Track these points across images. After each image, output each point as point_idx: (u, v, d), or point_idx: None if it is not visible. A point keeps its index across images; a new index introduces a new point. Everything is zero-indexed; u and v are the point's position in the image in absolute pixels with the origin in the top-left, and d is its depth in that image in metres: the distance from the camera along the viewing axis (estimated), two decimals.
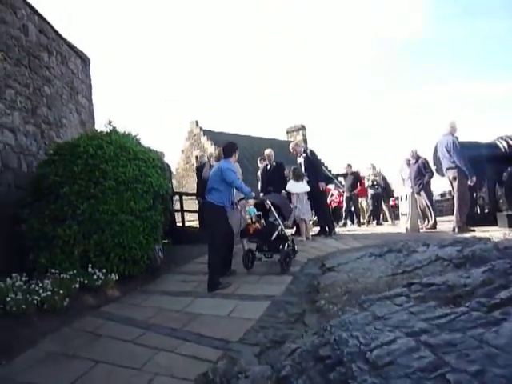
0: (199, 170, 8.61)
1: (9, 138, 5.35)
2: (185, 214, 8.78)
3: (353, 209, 10.57)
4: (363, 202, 11.03)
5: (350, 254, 4.84)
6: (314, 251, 5.71)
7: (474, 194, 6.97)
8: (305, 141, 23.19)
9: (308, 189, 6.81)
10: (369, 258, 4.29)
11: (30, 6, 6.21)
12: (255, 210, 5.32)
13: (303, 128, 23.74)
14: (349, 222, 10.81)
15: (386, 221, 10.64)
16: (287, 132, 24.22)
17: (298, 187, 6.91)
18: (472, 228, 6.37)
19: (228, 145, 5.24)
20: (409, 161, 8.39)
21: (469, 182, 6.37)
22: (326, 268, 4.47)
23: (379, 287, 3.48)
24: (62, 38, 7.36)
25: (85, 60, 8.52)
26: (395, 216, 11.56)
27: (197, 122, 20.45)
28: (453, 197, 7.81)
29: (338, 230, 8.75)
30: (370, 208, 10.39)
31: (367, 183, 10.36)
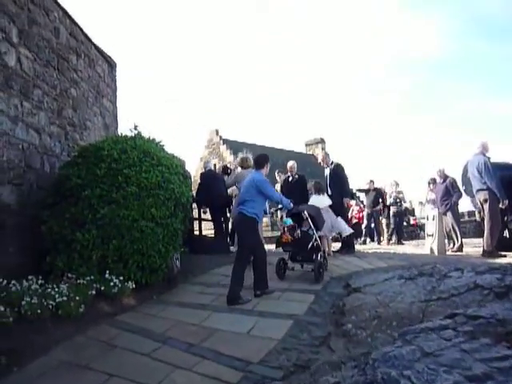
0: (204, 175, 8.43)
1: (33, 137, 5.32)
2: (202, 222, 8.65)
3: (373, 226, 10.30)
4: (383, 220, 10.75)
5: (377, 275, 4.62)
6: (336, 269, 5.50)
7: (505, 218, 6.66)
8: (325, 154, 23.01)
9: (329, 202, 6.61)
10: (398, 280, 4.06)
11: (62, 8, 6.25)
12: (291, 220, 5.25)
13: (322, 141, 23.58)
14: (368, 240, 10.55)
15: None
16: (306, 145, 24.08)
17: (319, 201, 6.71)
18: (503, 253, 6.07)
19: (261, 156, 5.19)
20: (434, 180, 8.12)
21: (500, 205, 6.10)
22: (352, 289, 4.26)
23: (412, 314, 3.27)
24: (90, 41, 7.40)
25: (111, 64, 8.56)
26: (415, 236, 11.25)
27: (217, 131, 20.51)
28: (478, 219, 7.53)
29: (358, 247, 8.51)
30: (392, 226, 10.10)
31: (389, 200, 10.10)
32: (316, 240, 5.21)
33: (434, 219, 7.03)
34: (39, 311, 3.64)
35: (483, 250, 6.19)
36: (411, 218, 11.15)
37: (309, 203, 6.86)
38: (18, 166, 4.96)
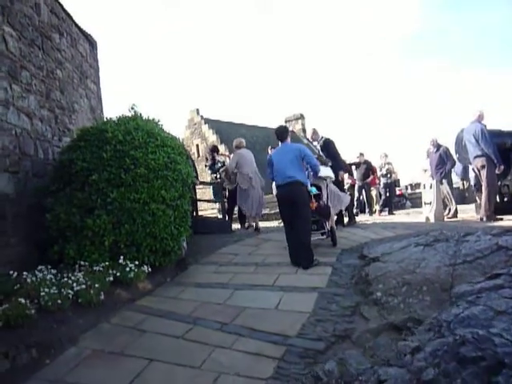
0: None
1: (25, 122, 5.03)
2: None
3: (364, 198, 10.45)
4: (373, 192, 10.91)
5: (390, 244, 4.67)
6: (344, 241, 5.54)
7: (498, 183, 6.86)
8: (303, 130, 23.06)
9: (333, 175, 6.61)
10: (415, 247, 4.12)
11: None
12: (315, 188, 5.36)
13: (302, 117, 23.57)
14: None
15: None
16: (286, 121, 24.01)
17: (325, 172, 6.74)
18: (498, 217, 6.28)
19: (282, 128, 5.27)
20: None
21: (496, 171, 6.27)
22: (370, 258, 4.30)
23: (441, 278, 3.33)
24: (71, 18, 6.99)
25: (92, 43, 8.14)
26: (401, 206, 11.46)
27: (197, 111, 20.10)
28: (461, 187, 7.73)
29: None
30: (383, 197, 10.28)
31: (379, 172, 10.24)
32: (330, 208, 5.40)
33: (431, 187, 7.18)
34: (59, 301, 3.51)
35: (482, 215, 6.38)
36: (396, 189, 11.35)
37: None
38: (14, 152, 4.69)
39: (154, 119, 5.36)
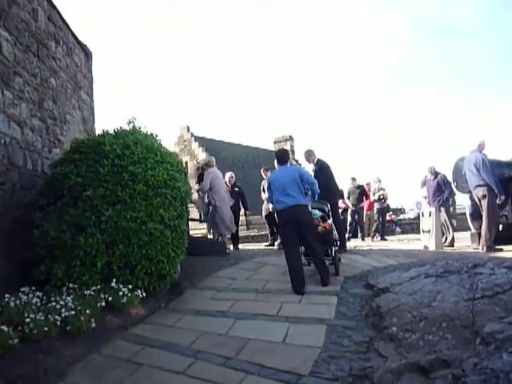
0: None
1: (16, 131, 4.74)
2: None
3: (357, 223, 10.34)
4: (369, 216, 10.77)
5: (397, 274, 4.50)
6: (346, 268, 5.34)
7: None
8: (292, 152, 23.07)
9: None
10: (426, 279, 3.96)
11: None
12: (318, 211, 5.31)
13: (291, 139, 23.63)
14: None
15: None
16: (275, 142, 24.01)
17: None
18: (498, 247, 6.21)
19: (283, 151, 5.35)
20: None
21: (497, 201, 6.24)
22: (379, 289, 4.10)
23: (461, 314, 3.14)
24: (68, 27, 6.78)
25: (88, 54, 7.93)
26: (391, 231, 11.39)
27: (188, 128, 19.90)
28: (469, 215, 7.72)
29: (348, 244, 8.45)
30: (376, 222, 10.20)
31: (373, 197, 10.18)
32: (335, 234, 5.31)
33: (430, 215, 7.10)
34: (46, 329, 3.17)
35: (482, 245, 6.30)
36: (387, 214, 11.32)
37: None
38: (1, 162, 4.38)
39: (152, 134, 5.13)
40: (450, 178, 7.70)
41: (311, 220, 5.01)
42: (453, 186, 7.67)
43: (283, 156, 5.16)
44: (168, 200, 4.39)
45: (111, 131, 4.78)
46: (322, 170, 7.01)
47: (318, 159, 7.27)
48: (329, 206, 5.38)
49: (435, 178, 7.78)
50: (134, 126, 5.02)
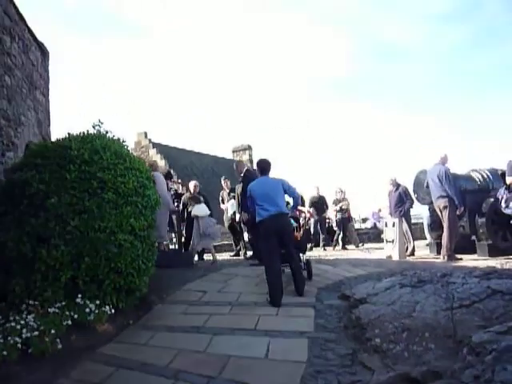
0: None
1: None
2: None
3: (321, 232, 10.47)
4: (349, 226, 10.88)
5: (370, 284, 4.53)
6: (318, 279, 5.31)
7: None
8: (251, 161, 23.11)
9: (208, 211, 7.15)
10: (401, 289, 3.99)
11: None
12: (293, 221, 5.43)
13: (249, 148, 23.69)
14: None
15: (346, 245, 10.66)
16: (233, 151, 23.97)
17: (201, 209, 7.17)
18: (458, 256, 6.49)
19: (266, 161, 5.23)
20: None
21: (457, 212, 6.53)
22: (355, 300, 4.09)
23: (441, 324, 3.18)
24: (25, 23, 6.35)
25: (45, 52, 7.47)
26: (348, 241, 11.63)
27: (146, 134, 19.30)
28: (427, 225, 8.03)
29: (310, 253, 8.49)
30: (338, 232, 10.37)
31: (334, 207, 10.36)
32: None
33: (393, 226, 7.31)
34: (5, 353, 2.85)
35: (444, 254, 6.55)
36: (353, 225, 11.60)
37: (193, 212, 7.20)
38: None
39: (119, 139, 4.86)
40: (410, 189, 8.00)
41: (292, 229, 5.18)
42: (413, 198, 7.97)
43: (267, 165, 5.18)
44: (138, 209, 4.16)
45: (77, 134, 4.46)
46: (246, 180, 6.89)
47: (247, 169, 7.35)
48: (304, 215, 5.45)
49: (397, 189, 8.05)
50: (99, 131, 4.72)
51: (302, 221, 5.54)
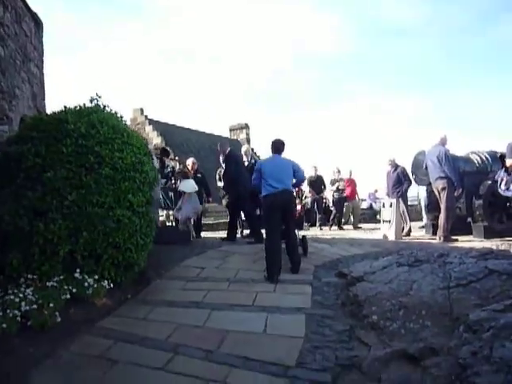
0: None
1: None
2: None
3: (317, 212, 10.49)
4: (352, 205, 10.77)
5: (367, 262, 4.56)
6: (314, 257, 5.35)
7: None
8: (248, 140, 23.00)
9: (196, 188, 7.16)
10: (398, 267, 4.03)
11: None
12: None
13: (247, 127, 23.50)
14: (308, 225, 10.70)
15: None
16: (230, 129, 23.78)
17: (190, 185, 7.17)
18: (454, 237, 6.54)
19: (281, 141, 5.37)
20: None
21: (455, 193, 6.55)
22: (353, 278, 4.12)
23: (438, 302, 3.21)
24: None
25: (39, 23, 7.24)
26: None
27: (142, 110, 19.01)
28: (423, 206, 8.05)
29: (305, 232, 8.52)
30: (334, 212, 10.39)
31: (331, 187, 10.36)
32: None
33: (391, 206, 7.32)
34: (4, 325, 2.85)
35: (440, 235, 6.59)
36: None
37: (180, 187, 7.24)
38: None
39: (116, 113, 4.76)
40: (409, 170, 7.98)
41: (295, 206, 5.48)
42: (411, 178, 7.97)
43: (281, 145, 5.36)
44: (136, 185, 4.12)
45: (73, 108, 4.36)
46: (229, 160, 7.18)
47: (230, 150, 7.42)
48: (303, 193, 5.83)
49: (395, 170, 8.04)
50: (97, 105, 4.62)
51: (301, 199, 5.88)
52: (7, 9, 5.69)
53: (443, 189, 6.51)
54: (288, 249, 4.93)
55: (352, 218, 10.84)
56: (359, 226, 10.61)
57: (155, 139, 17.23)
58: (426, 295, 3.34)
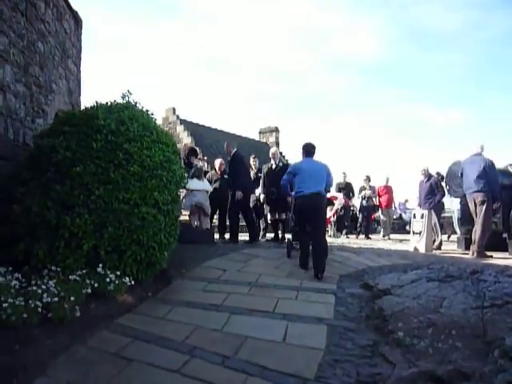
0: None
1: None
2: None
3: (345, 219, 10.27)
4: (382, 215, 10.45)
5: (395, 275, 4.38)
6: (340, 266, 5.20)
7: None
8: (277, 143, 22.92)
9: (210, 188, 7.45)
10: (428, 283, 3.84)
11: None
12: None
13: (277, 130, 23.43)
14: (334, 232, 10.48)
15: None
16: (260, 132, 23.78)
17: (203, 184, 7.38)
18: (488, 254, 6.21)
19: (312, 144, 5.56)
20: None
21: (493, 207, 6.22)
22: (379, 290, 3.96)
23: (471, 322, 3.02)
24: None
25: (78, 21, 7.44)
26: (372, 230, 11.40)
27: (174, 110, 19.32)
28: (456, 219, 7.72)
29: (332, 240, 8.34)
30: (360, 220, 10.15)
31: (359, 195, 10.12)
32: None
33: (422, 217, 7.05)
34: (25, 315, 2.87)
35: (472, 250, 6.28)
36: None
37: (192, 186, 7.13)
38: None
39: (147, 110, 4.79)
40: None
41: (326, 211, 5.71)
42: (445, 190, 7.66)
43: (313, 148, 5.55)
44: (163, 183, 4.11)
45: (104, 104, 4.41)
46: (233, 161, 7.37)
47: (236, 151, 7.55)
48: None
49: (428, 180, 7.74)
50: (128, 101, 4.65)
51: (337, 206, 6.12)
52: (49, 6, 5.86)
53: (482, 202, 6.17)
54: (313, 252, 4.96)
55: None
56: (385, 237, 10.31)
57: (186, 139, 17.44)
58: (457, 314, 3.15)
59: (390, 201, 10.22)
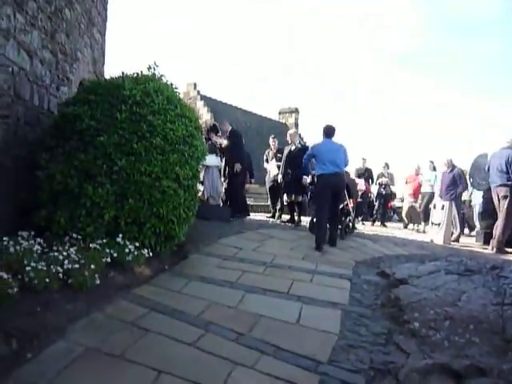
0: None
1: (25, 61, 4.31)
2: None
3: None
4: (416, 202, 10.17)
5: (412, 265, 4.33)
6: (356, 252, 5.17)
7: None
8: (296, 124, 22.66)
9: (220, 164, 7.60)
10: (447, 275, 3.78)
11: None
12: None
13: (296, 111, 23.12)
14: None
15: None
16: (280, 113, 23.51)
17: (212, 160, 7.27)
18: (509, 250, 6.08)
19: (332, 127, 5.76)
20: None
21: None
22: (396, 279, 3.92)
23: (490, 318, 2.97)
24: None
25: None
26: (388, 218, 11.25)
27: (195, 85, 19.17)
28: (477, 213, 7.54)
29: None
30: (376, 207, 10.03)
31: (377, 181, 9.97)
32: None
33: (442, 208, 6.92)
34: (47, 280, 2.93)
35: (494, 245, 6.16)
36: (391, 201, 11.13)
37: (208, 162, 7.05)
38: (7, 93, 3.99)
39: (172, 84, 4.73)
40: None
41: (344, 188, 5.97)
42: (468, 182, 7.48)
43: (333, 130, 5.77)
44: (185, 158, 4.10)
45: (130, 74, 4.37)
46: (235, 137, 7.68)
47: (231, 129, 7.89)
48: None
49: (451, 171, 7.54)
50: (154, 73, 4.60)
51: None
52: None
53: (505, 197, 6.01)
54: (330, 224, 5.47)
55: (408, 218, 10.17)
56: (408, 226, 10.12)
57: (205, 115, 17.35)
58: (476, 309, 3.09)
59: (418, 190, 9.88)
